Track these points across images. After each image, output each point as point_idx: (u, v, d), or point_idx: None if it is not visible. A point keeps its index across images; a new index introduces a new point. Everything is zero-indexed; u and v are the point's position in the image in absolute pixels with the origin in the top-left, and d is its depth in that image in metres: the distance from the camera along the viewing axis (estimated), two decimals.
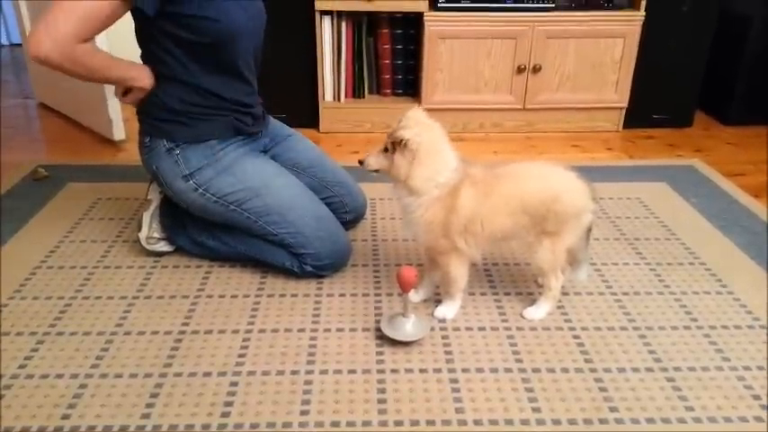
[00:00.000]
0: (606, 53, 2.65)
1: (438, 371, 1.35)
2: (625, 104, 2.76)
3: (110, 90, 2.38)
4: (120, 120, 2.53)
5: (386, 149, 1.40)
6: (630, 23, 2.61)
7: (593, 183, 1.46)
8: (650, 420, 1.23)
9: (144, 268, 1.72)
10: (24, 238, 1.86)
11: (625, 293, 1.63)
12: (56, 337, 1.45)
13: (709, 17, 2.66)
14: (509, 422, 1.22)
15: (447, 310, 1.53)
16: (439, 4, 2.56)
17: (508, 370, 1.36)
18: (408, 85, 2.81)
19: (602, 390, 1.31)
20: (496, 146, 2.67)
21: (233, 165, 1.60)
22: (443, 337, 1.46)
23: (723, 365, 1.38)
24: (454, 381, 1.33)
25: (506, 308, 1.57)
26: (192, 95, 1.55)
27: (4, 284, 1.63)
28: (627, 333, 1.48)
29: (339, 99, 2.75)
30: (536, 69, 2.65)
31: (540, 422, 1.22)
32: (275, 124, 1.84)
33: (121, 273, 1.70)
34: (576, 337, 1.47)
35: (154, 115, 1.59)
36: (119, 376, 1.33)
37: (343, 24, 2.62)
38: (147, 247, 1.74)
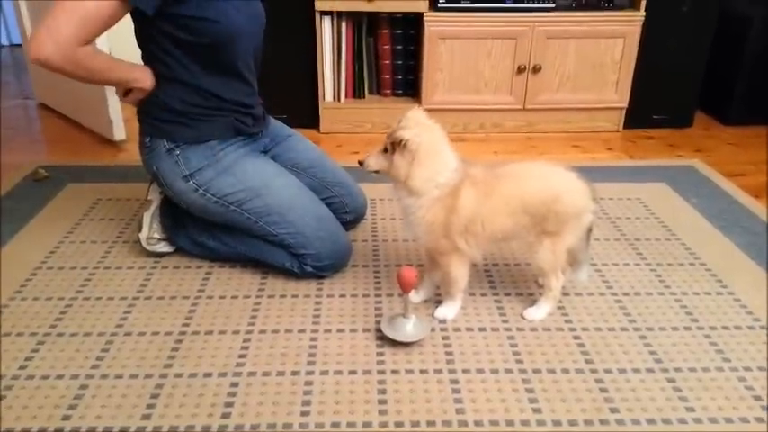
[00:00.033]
0: (606, 53, 2.65)
1: (439, 371, 1.35)
2: (625, 105, 2.76)
3: (110, 90, 2.39)
4: (120, 120, 2.53)
5: (385, 150, 1.40)
6: (630, 24, 2.61)
7: (593, 183, 1.46)
8: (651, 421, 1.23)
9: (144, 269, 1.72)
10: (25, 238, 1.86)
11: (625, 294, 1.63)
12: (56, 338, 1.45)
13: (709, 17, 2.66)
14: (510, 423, 1.22)
15: (447, 311, 1.53)
16: (439, 5, 2.56)
17: (509, 370, 1.36)
18: (408, 86, 2.81)
19: (603, 390, 1.30)
20: (497, 146, 2.67)
21: (233, 165, 1.60)
22: (444, 338, 1.46)
23: (724, 366, 1.38)
24: (455, 381, 1.33)
25: (507, 308, 1.57)
26: (192, 96, 1.55)
27: (4, 285, 1.63)
28: (627, 333, 1.48)
29: (339, 99, 2.75)
30: (536, 70, 2.65)
31: (541, 423, 1.22)
32: (275, 125, 1.84)
33: (122, 273, 1.70)
34: (576, 337, 1.47)
35: (154, 116, 1.59)
36: (119, 377, 1.33)
37: (344, 25, 2.62)
38: (148, 247, 1.74)
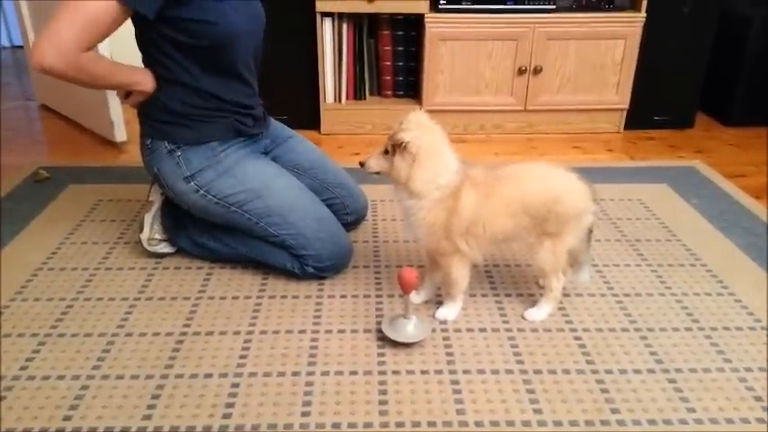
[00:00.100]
0: (607, 54, 2.65)
1: (439, 372, 1.35)
2: (626, 106, 2.76)
3: (111, 92, 2.39)
4: (121, 121, 2.53)
5: (386, 151, 1.40)
6: (631, 25, 2.61)
7: (594, 184, 1.46)
8: (652, 422, 1.23)
9: (145, 270, 1.72)
10: (26, 239, 1.86)
11: (626, 295, 1.63)
12: (57, 339, 1.45)
13: (709, 18, 2.66)
14: (510, 423, 1.22)
15: (448, 312, 1.53)
16: (440, 6, 2.56)
17: (509, 371, 1.36)
18: (409, 87, 2.81)
19: (604, 391, 1.30)
20: (497, 147, 2.67)
21: (234, 166, 1.61)
22: (444, 339, 1.46)
23: (724, 367, 1.38)
24: (455, 382, 1.33)
25: (507, 309, 1.57)
26: (192, 97, 1.56)
27: (5, 286, 1.64)
28: (628, 334, 1.48)
29: (340, 100, 2.75)
30: (537, 71, 2.65)
31: (542, 423, 1.22)
32: (276, 126, 1.85)
33: (123, 274, 1.70)
34: (577, 338, 1.47)
35: (155, 117, 1.59)
36: (120, 378, 1.33)
37: (344, 26, 2.62)
38: (149, 248, 1.74)
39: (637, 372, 1.36)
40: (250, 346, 1.43)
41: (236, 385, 1.31)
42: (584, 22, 2.60)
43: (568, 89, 2.71)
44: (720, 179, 2.31)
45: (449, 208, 1.39)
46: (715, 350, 1.43)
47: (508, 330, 1.49)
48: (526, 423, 1.22)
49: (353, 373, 1.35)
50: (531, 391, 1.30)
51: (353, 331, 1.48)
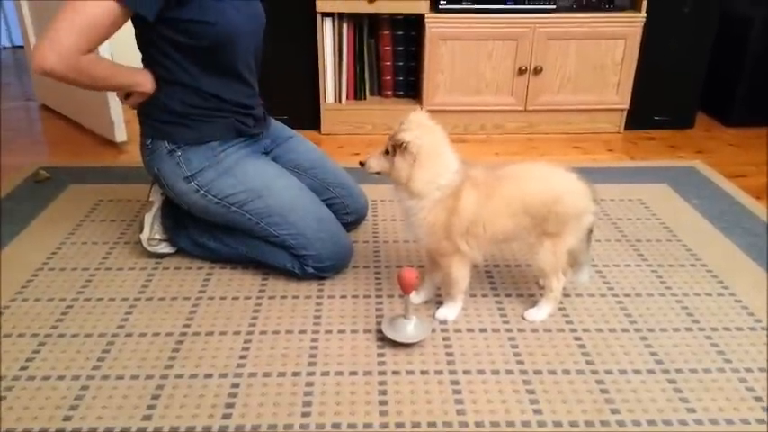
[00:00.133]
0: (607, 55, 2.65)
1: (439, 372, 1.35)
2: (626, 106, 2.76)
3: (111, 92, 2.39)
4: (121, 122, 2.53)
5: (387, 152, 1.40)
6: (631, 25, 2.61)
7: (594, 184, 1.46)
8: (652, 422, 1.23)
9: (145, 270, 1.72)
10: (26, 239, 1.86)
11: (626, 295, 1.63)
12: (57, 339, 1.45)
13: (710, 18, 2.66)
14: (510, 424, 1.22)
15: (448, 312, 1.53)
16: (440, 6, 2.56)
17: (509, 371, 1.36)
18: (409, 87, 2.81)
19: (604, 391, 1.30)
20: (498, 147, 2.67)
21: (234, 166, 1.61)
22: (444, 339, 1.46)
23: (725, 367, 1.38)
24: (455, 382, 1.33)
25: (507, 309, 1.56)
26: (192, 97, 1.56)
27: (5, 286, 1.64)
28: (628, 335, 1.48)
29: (340, 101, 2.75)
30: (537, 71, 2.65)
31: (542, 424, 1.22)
32: (276, 126, 1.85)
33: (123, 274, 1.70)
34: (577, 338, 1.47)
35: (155, 117, 1.59)
36: (120, 378, 1.33)
37: (345, 26, 2.62)
38: (149, 248, 1.74)
39: (637, 372, 1.36)
40: (250, 347, 1.43)
41: (235, 385, 1.31)
42: (585, 22, 2.60)
43: (569, 89, 2.71)
44: (721, 179, 2.31)
45: (449, 208, 1.39)
46: (715, 350, 1.43)
47: (508, 330, 1.49)
48: (526, 423, 1.22)
49: (353, 373, 1.35)
50: (531, 392, 1.30)
51: (353, 331, 1.48)
